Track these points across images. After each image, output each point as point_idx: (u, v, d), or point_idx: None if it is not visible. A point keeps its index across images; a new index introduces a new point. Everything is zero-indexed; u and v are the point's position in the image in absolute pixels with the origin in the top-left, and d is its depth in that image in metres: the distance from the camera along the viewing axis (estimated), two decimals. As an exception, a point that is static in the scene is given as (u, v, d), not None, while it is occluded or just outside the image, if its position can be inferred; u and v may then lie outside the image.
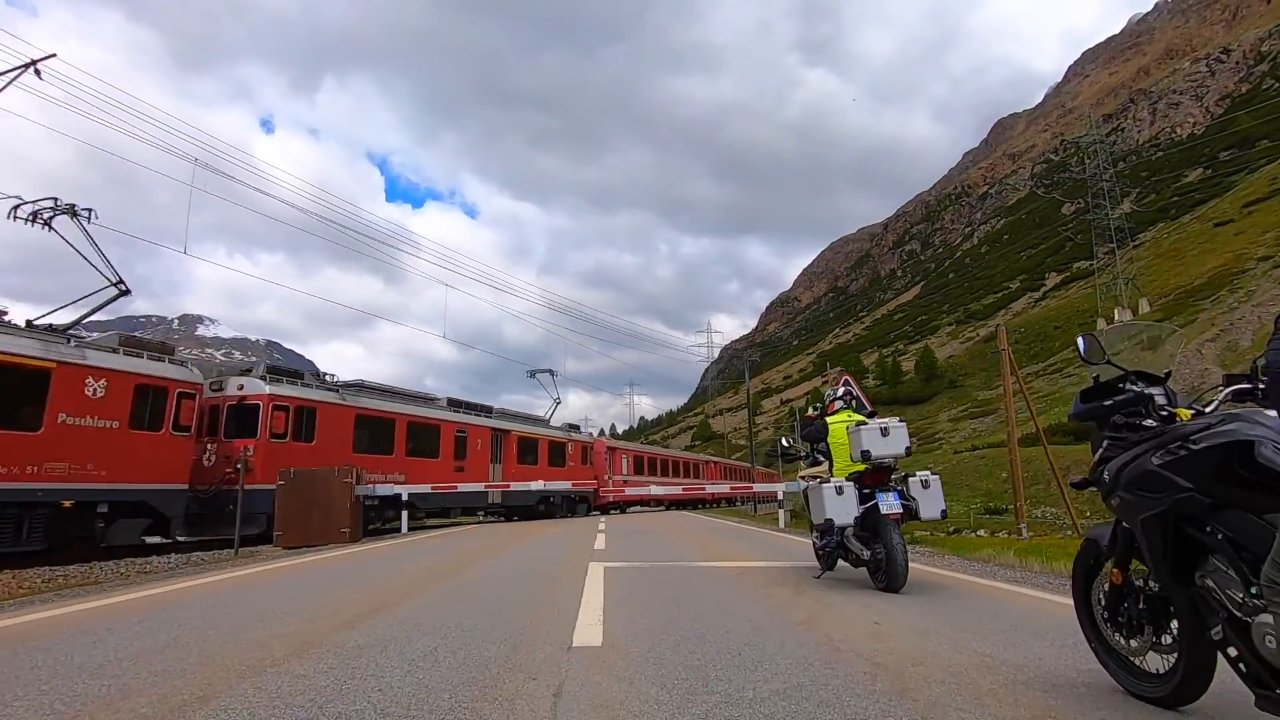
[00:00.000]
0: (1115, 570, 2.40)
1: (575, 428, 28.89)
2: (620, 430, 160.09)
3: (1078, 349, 2.46)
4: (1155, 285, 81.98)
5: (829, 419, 5.95)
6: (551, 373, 26.82)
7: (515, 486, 17.81)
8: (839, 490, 5.11)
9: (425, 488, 14.95)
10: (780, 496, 14.61)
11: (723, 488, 35.44)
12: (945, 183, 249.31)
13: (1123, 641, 2.45)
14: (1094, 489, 2.41)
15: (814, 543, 6.49)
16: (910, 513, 5.07)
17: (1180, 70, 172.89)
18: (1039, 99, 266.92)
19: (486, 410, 21.42)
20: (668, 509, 36.16)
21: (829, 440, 5.75)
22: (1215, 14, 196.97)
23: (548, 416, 26.00)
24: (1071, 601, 4.72)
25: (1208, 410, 2.20)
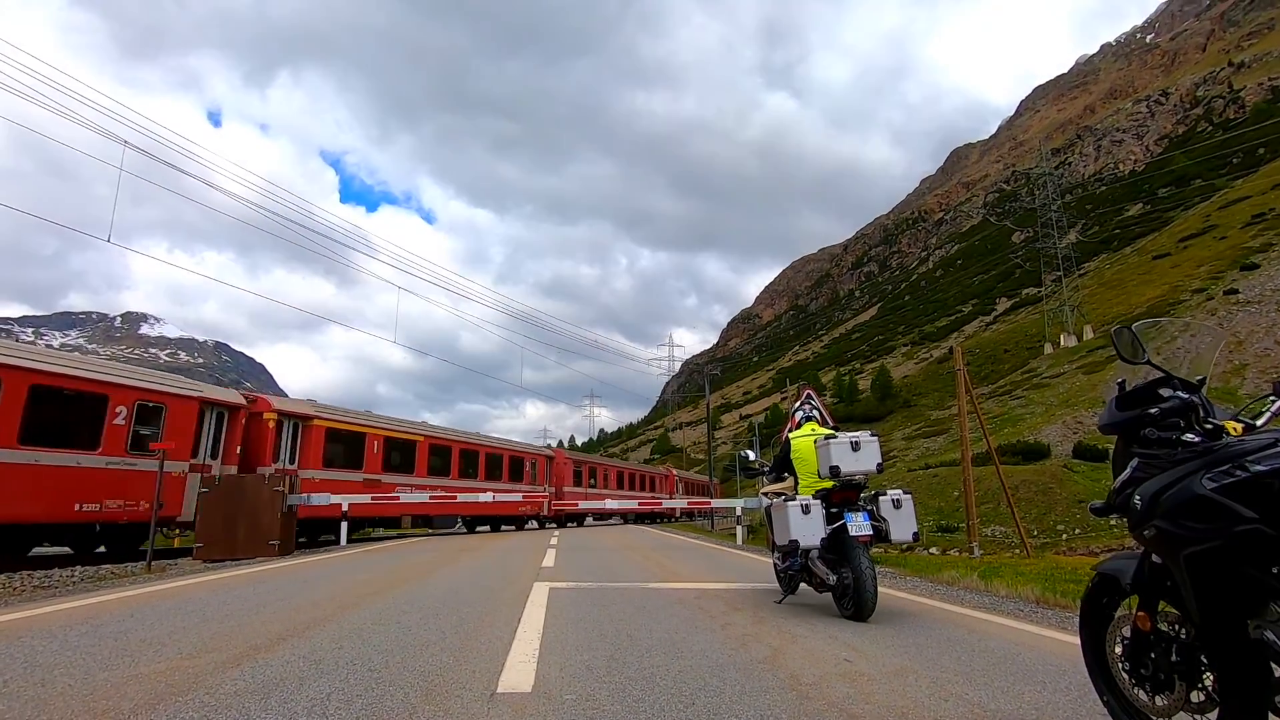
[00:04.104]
0: (1142, 614, 2.01)
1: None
2: (580, 442, 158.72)
3: (1113, 344, 2.08)
4: (1098, 313, 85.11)
5: (792, 435, 5.57)
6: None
7: (462, 498, 17.05)
8: (805, 509, 4.70)
9: (365, 498, 14.11)
10: (739, 512, 14.23)
11: (681, 503, 35.16)
12: (903, 207, 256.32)
13: (1145, 698, 2.06)
14: (1116, 517, 2.03)
15: (775, 564, 6.09)
16: (880, 534, 4.69)
17: (1123, 110, 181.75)
18: (993, 129, 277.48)
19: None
20: (625, 522, 35.37)
21: (792, 455, 5.36)
22: (1155, 59, 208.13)
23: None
24: (1056, 635, 4.39)
25: (1259, 423, 1.84)
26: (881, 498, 4.82)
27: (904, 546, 11.33)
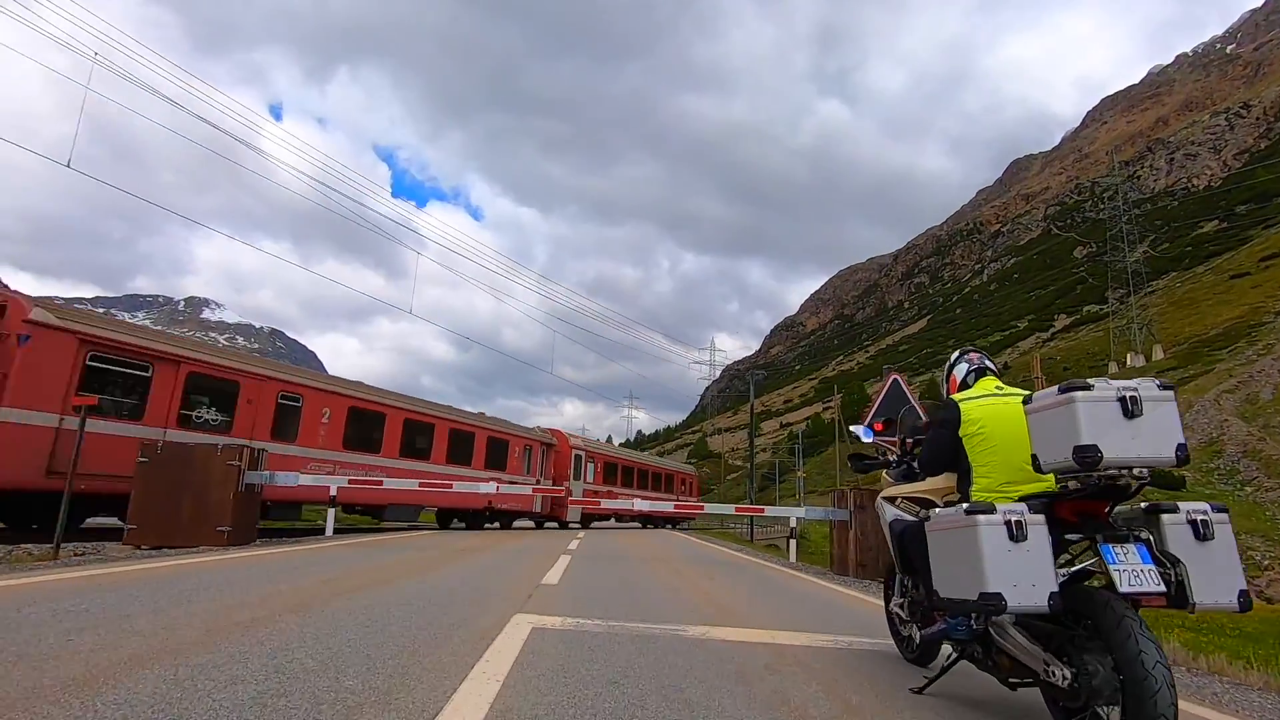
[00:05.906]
0: None
1: None
2: (617, 442, 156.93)
3: None
4: (1168, 333, 79.78)
5: (957, 397, 3.21)
6: None
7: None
8: (1013, 530, 2.33)
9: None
10: (793, 524, 11.79)
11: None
12: (957, 218, 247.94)
13: None
14: None
15: (892, 614, 3.75)
16: (1172, 591, 2.31)
17: (1199, 123, 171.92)
18: (1056, 141, 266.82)
19: None
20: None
21: (965, 432, 3.02)
22: (1236, 70, 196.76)
23: None
24: None
25: None
26: (1165, 517, 2.40)
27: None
